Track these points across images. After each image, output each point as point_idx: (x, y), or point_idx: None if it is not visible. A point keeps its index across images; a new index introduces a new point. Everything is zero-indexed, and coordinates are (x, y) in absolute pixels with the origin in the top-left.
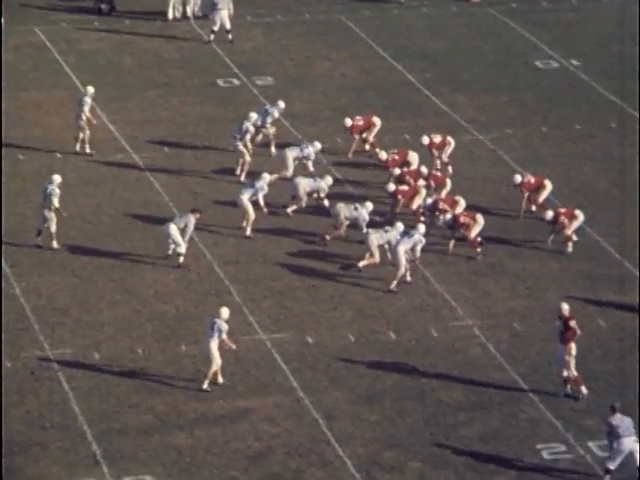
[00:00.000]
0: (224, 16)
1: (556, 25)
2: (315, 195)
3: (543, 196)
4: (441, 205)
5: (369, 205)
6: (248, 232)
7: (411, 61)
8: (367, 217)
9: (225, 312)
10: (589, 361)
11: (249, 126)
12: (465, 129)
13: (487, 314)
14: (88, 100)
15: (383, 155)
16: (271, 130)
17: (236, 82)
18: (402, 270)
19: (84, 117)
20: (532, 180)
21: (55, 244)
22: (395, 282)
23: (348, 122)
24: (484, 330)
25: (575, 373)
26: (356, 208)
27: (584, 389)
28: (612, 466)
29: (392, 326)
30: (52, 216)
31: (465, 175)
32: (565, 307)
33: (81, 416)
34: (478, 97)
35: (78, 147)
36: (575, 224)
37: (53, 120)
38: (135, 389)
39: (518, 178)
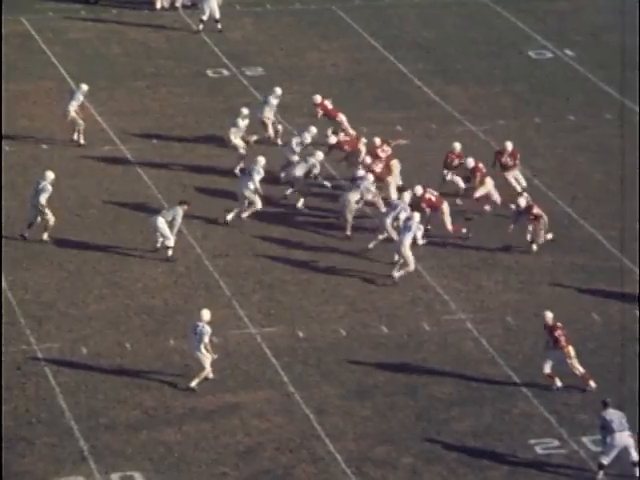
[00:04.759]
0: (213, 5)
1: (550, 15)
2: (312, 175)
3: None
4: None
5: (370, 177)
6: (229, 217)
7: (403, 51)
8: (373, 188)
9: (206, 314)
10: (583, 355)
11: (239, 121)
12: (458, 120)
13: (480, 308)
14: (80, 97)
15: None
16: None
17: (225, 72)
18: (412, 266)
19: (72, 111)
20: (484, 170)
21: (46, 236)
22: (398, 272)
23: (317, 99)
24: (477, 324)
25: (582, 370)
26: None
27: (592, 383)
28: (605, 461)
29: (384, 320)
30: (46, 211)
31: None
32: (549, 316)
33: (68, 411)
34: (471, 88)
35: (76, 136)
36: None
37: (39, 111)
38: (123, 384)
39: (471, 162)
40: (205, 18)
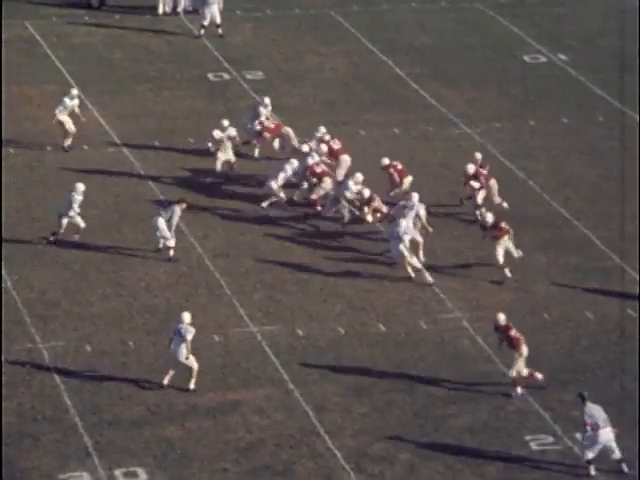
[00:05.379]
0: (214, 10)
1: (544, 20)
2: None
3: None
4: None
5: (359, 176)
6: (265, 205)
7: (400, 55)
8: (355, 188)
9: (187, 316)
10: (576, 353)
11: (217, 133)
12: (454, 123)
13: (476, 306)
14: (67, 101)
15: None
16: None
17: (226, 76)
18: (419, 264)
19: (58, 115)
20: (399, 166)
21: (52, 237)
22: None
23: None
24: (473, 322)
25: (524, 373)
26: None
27: (519, 390)
28: (591, 455)
29: (381, 319)
30: (72, 216)
31: (454, 168)
32: (501, 317)
33: (73, 408)
34: (466, 91)
35: (69, 142)
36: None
37: (43, 114)
38: (126, 382)
39: (386, 161)
40: (206, 23)
